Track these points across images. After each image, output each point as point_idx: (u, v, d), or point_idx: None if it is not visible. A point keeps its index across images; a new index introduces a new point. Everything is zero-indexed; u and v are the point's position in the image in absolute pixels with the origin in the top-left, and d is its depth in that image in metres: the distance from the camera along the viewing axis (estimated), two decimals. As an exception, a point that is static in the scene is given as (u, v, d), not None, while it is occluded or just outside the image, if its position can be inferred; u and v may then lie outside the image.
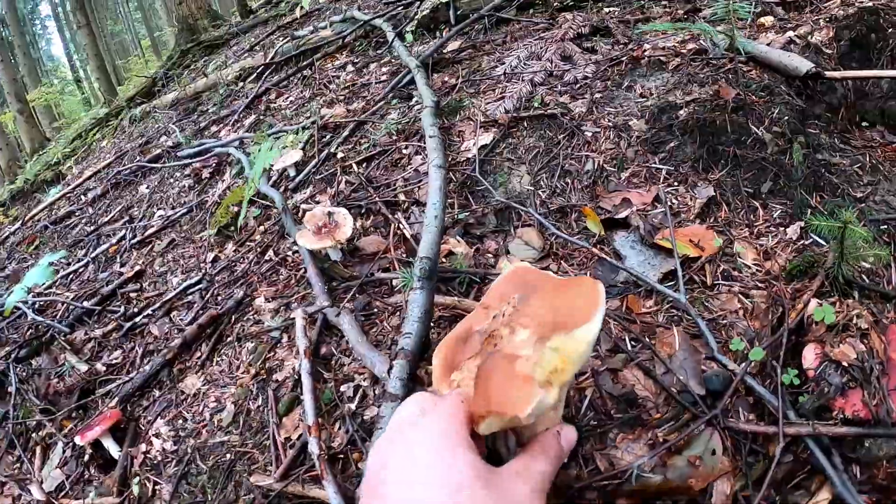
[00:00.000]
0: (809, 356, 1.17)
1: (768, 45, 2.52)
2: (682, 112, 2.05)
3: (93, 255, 2.84)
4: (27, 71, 18.81)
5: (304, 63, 4.27)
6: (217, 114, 4.49)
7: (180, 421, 1.65)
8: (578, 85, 2.45)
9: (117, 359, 2.02)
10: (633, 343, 1.30)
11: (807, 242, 1.58)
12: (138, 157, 4.55)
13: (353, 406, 1.41)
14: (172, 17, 13.49)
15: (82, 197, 4.45)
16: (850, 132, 2.42)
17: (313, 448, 1.29)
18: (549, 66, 2.67)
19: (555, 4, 3.84)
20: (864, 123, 2.39)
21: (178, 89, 6.12)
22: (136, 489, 1.49)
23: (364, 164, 2.37)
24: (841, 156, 2.15)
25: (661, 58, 2.49)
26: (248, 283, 1.99)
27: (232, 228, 2.46)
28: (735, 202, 1.77)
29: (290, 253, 2.07)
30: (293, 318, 1.68)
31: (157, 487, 1.48)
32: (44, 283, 2.25)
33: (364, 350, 1.47)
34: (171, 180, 3.53)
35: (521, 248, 1.68)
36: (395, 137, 2.44)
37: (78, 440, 1.61)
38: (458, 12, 3.88)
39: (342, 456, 1.31)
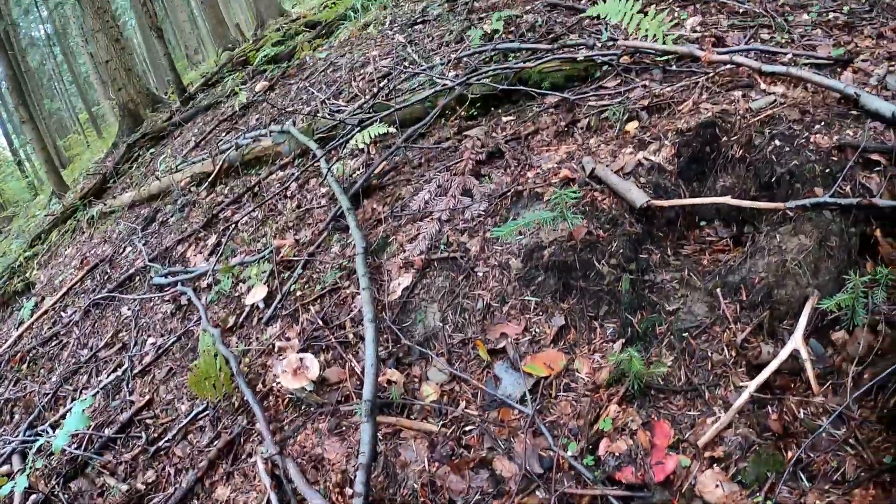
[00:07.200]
0: (602, 447, 2.02)
1: (619, 170, 3.32)
2: (545, 252, 2.89)
3: (98, 386, 3.49)
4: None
5: (253, 181, 5.00)
6: (179, 227, 5.15)
7: (218, 523, 2.37)
8: (474, 222, 3.29)
9: (152, 477, 2.70)
10: (503, 441, 2.12)
11: (625, 357, 2.40)
12: (110, 272, 5.16)
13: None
14: (108, 90, 13.86)
15: (62, 314, 5.01)
16: (685, 238, 3.17)
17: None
18: (453, 202, 3.51)
19: (462, 114, 4.74)
20: (702, 223, 3.00)
21: (133, 190, 6.73)
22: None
23: (318, 301, 3.14)
24: (666, 271, 2.92)
25: (539, 189, 3.33)
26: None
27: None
28: (581, 325, 2.61)
29: (273, 384, 2.81)
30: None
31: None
32: (83, 428, 2.89)
33: (304, 488, 2.22)
34: (151, 304, 4.19)
35: (437, 373, 2.49)
36: (339, 276, 3.23)
37: (144, 548, 2.31)
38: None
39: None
